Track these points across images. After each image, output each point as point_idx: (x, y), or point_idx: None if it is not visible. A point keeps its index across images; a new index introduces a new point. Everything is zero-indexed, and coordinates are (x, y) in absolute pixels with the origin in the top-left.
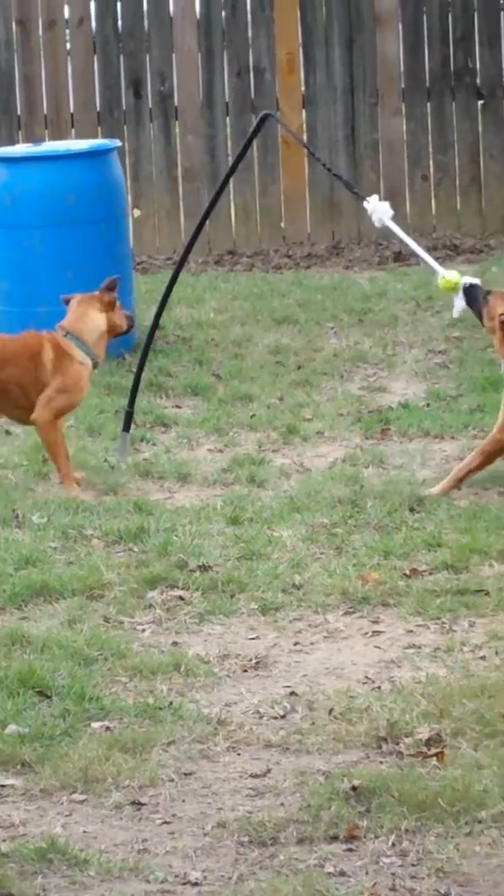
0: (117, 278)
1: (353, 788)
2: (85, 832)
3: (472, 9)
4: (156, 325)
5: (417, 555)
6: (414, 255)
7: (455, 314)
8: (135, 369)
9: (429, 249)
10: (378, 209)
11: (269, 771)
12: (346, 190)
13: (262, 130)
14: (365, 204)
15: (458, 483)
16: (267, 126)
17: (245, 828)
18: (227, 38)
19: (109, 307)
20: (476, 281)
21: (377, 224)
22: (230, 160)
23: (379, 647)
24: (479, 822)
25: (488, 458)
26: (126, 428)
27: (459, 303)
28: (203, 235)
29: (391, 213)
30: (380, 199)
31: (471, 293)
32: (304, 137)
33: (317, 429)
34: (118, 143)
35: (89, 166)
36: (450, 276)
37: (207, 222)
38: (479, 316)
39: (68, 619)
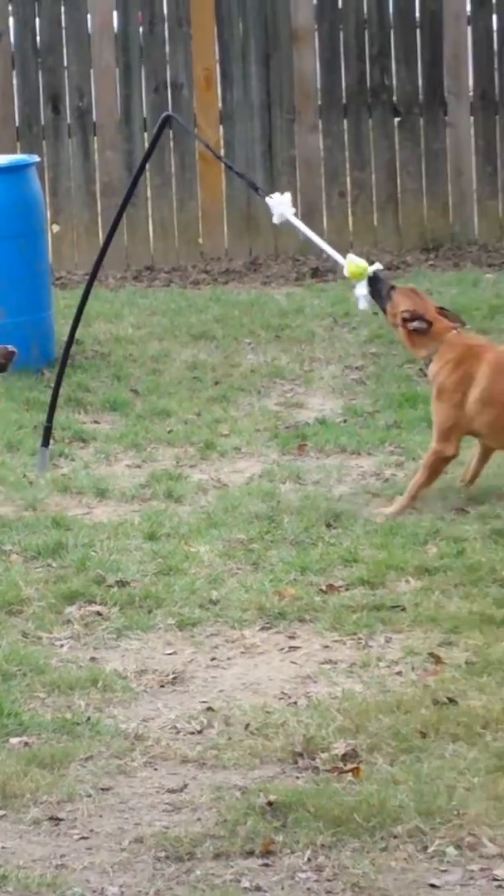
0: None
1: (270, 803)
2: (3, 847)
3: (388, 26)
4: (71, 340)
5: (334, 570)
6: (320, 250)
7: (361, 305)
8: (53, 385)
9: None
10: (279, 204)
11: (185, 786)
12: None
13: (181, 148)
14: (267, 199)
15: (413, 501)
16: (185, 142)
17: (162, 843)
18: (145, 54)
19: None
20: (381, 269)
21: (277, 220)
22: (149, 175)
23: (295, 663)
24: (395, 836)
25: (433, 471)
26: (45, 443)
27: (362, 290)
28: (121, 251)
29: (292, 208)
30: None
31: (376, 285)
32: (222, 153)
33: (234, 444)
34: (37, 158)
35: (8, 181)
36: (358, 261)
37: (125, 238)
38: (383, 308)
39: None
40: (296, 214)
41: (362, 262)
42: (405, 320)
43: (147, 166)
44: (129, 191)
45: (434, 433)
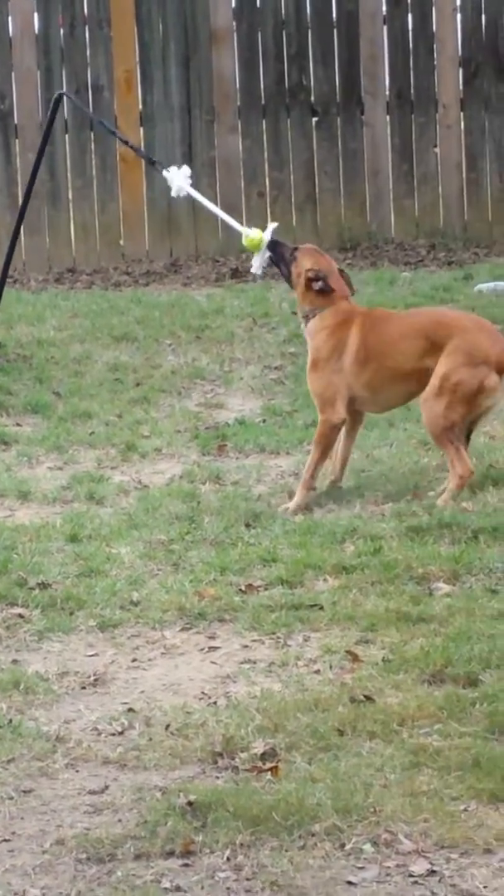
0: None
1: (189, 804)
2: None
3: (306, 26)
4: None
5: (253, 570)
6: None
7: (255, 271)
8: None
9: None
10: (176, 177)
11: (107, 787)
12: (179, 203)
13: (102, 150)
14: (164, 173)
15: (312, 482)
16: (106, 144)
17: (83, 844)
18: (66, 57)
19: None
20: (276, 226)
21: (175, 193)
22: (70, 177)
23: (215, 663)
24: (313, 835)
25: (326, 443)
26: None
27: (260, 259)
28: (42, 253)
29: (189, 179)
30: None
31: (276, 249)
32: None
33: (155, 446)
34: None
35: None
36: (252, 234)
37: (47, 240)
38: (288, 275)
39: None
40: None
41: (256, 234)
42: (310, 280)
43: (68, 167)
44: (31, 181)
45: (317, 405)
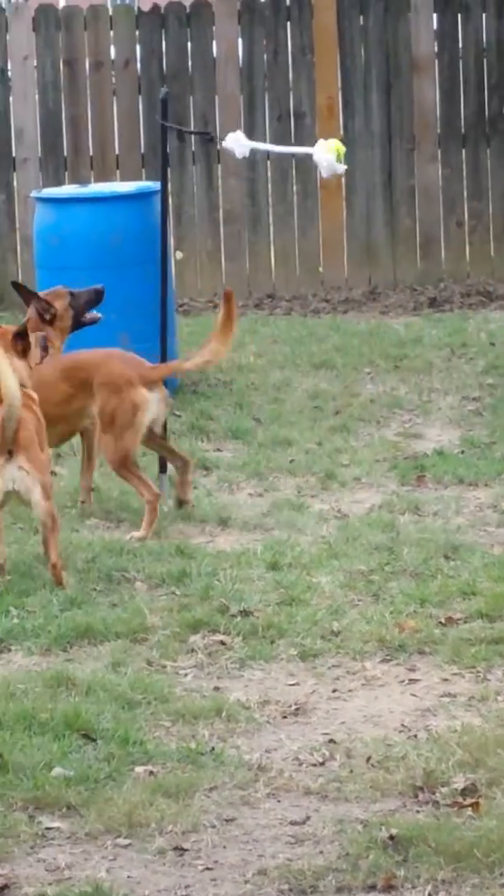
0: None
1: (391, 837)
2: (129, 877)
3: None
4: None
5: (453, 603)
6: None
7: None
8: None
9: (462, 296)
10: (234, 142)
11: (308, 818)
12: (379, 231)
13: (303, 176)
14: (223, 144)
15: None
16: (307, 170)
17: (285, 875)
18: (269, 82)
19: None
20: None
21: (240, 155)
22: (271, 202)
23: (415, 696)
24: None
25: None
26: (163, 469)
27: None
28: (243, 278)
29: (246, 140)
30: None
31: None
32: (343, 182)
33: (354, 475)
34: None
35: (135, 208)
36: (333, 143)
37: (247, 265)
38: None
39: (112, 661)
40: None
41: (333, 142)
42: None
43: (269, 193)
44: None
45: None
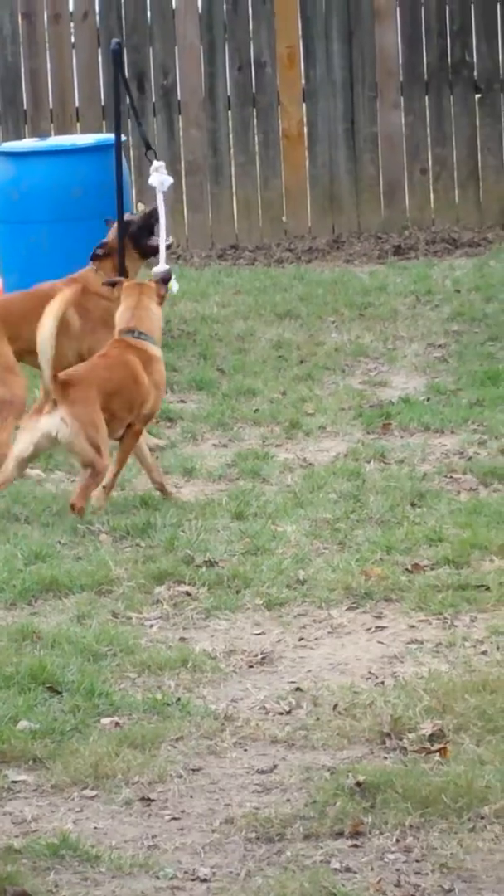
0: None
1: (358, 784)
2: (96, 828)
3: (469, 2)
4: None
5: (419, 550)
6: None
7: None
8: None
9: (427, 243)
10: (156, 175)
11: (275, 767)
12: (342, 180)
13: (265, 126)
14: (151, 168)
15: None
16: (268, 120)
17: (252, 824)
18: (229, 32)
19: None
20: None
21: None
22: (233, 154)
23: (382, 643)
24: (482, 817)
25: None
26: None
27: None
28: (205, 230)
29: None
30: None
31: None
32: (305, 131)
33: (319, 423)
34: (123, 137)
35: (95, 161)
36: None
37: (210, 216)
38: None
39: (77, 614)
40: None
41: None
42: None
43: (230, 144)
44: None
45: None
